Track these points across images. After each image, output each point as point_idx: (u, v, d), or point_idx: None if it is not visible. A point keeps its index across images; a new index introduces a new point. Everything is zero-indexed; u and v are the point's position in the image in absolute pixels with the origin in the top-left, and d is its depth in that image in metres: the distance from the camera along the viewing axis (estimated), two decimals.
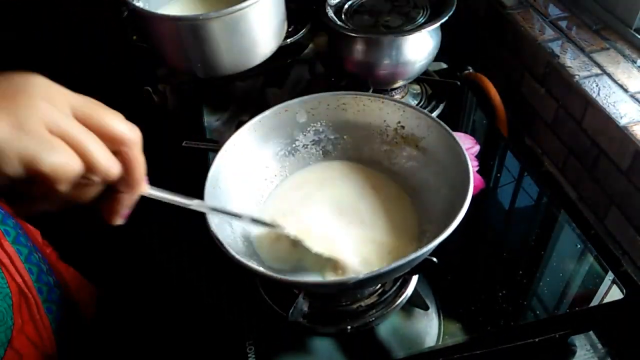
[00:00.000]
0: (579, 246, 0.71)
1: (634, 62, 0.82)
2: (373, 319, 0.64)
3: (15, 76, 0.33)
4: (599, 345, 0.63)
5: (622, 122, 0.73)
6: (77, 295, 0.70)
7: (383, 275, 0.52)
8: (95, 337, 0.70)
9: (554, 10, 0.94)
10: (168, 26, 0.74)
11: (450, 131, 0.61)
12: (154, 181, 0.41)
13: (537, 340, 0.61)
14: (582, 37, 0.87)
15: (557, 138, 0.88)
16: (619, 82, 0.79)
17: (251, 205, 0.66)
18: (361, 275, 0.48)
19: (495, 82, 0.94)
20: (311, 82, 1.00)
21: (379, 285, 0.67)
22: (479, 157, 0.80)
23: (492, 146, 0.90)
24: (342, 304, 0.66)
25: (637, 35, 0.83)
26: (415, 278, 0.68)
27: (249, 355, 0.62)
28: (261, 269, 0.52)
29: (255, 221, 0.57)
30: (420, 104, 0.95)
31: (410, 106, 0.66)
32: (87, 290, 0.73)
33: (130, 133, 0.35)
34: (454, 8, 0.82)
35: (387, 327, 0.65)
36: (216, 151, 0.62)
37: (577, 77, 0.80)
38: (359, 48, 0.85)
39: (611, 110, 0.75)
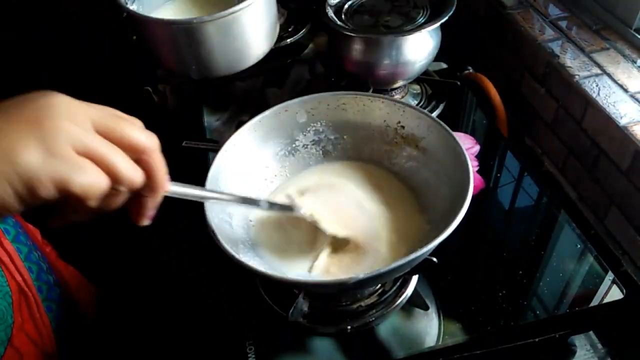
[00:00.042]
0: (579, 246, 0.71)
1: (634, 62, 0.82)
2: (373, 319, 0.64)
3: (37, 98, 0.34)
4: (599, 345, 0.63)
5: (622, 122, 0.73)
6: (77, 294, 0.70)
7: (383, 275, 0.52)
8: (95, 336, 0.70)
9: (554, 10, 0.94)
10: (163, 30, 0.75)
11: (450, 131, 0.61)
12: None
13: (537, 340, 0.61)
14: (582, 37, 0.87)
15: (557, 138, 0.88)
16: (619, 82, 0.79)
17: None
18: (361, 275, 0.48)
19: (495, 82, 0.94)
20: (311, 82, 1.00)
21: (379, 285, 0.67)
22: (479, 157, 0.80)
23: (492, 146, 0.90)
24: (342, 304, 0.66)
25: (637, 35, 0.83)
26: (415, 278, 0.68)
27: (249, 355, 0.62)
28: (261, 268, 0.52)
29: (273, 205, 0.57)
30: (420, 104, 0.95)
31: (410, 106, 0.66)
32: (86, 289, 0.73)
33: (148, 141, 0.37)
34: (454, 8, 0.82)
35: (387, 327, 0.65)
36: (216, 151, 0.62)
37: (577, 77, 0.81)
38: (359, 48, 0.85)
39: (611, 110, 0.75)
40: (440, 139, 0.62)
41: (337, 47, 0.88)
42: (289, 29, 1.05)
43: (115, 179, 0.35)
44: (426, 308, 0.66)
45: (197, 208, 0.52)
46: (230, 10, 0.71)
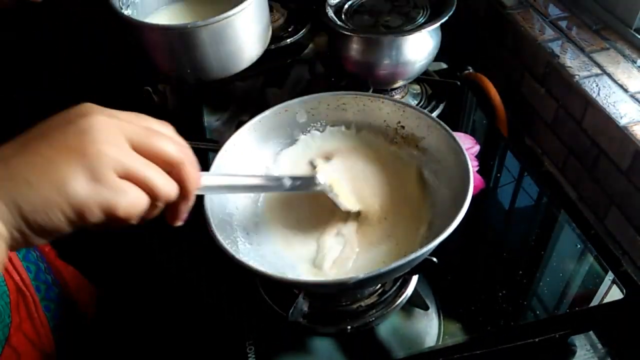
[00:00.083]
0: (579, 246, 0.71)
1: (634, 62, 0.82)
2: (373, 319, 0.64)
3: (77, 119, 0.35)
4: (599, 345, 0.63)
5: (622, 122, 0.73)
6: (76, 294, 0.70)
7: (383, 275, 0.52)
8: (94, 336, 0.70)
9: (554, 10, 0.94)
10: (157, 35, 0.77)
11: (450, 131, 0.61)
12: None
13: (537, 340, 0.61)
14: (582, 37, 0.87)
15: (557, 138, 0.88)
16: (619, 82, 0.79)
17: (251, 205, 0.66)
18: (361, 275, 0.48)
19: (495, 82, 0.94)
20: (311, 82, 0.99)
21: (379, 285, 0.67)
22: (479, 157, 0.80)
23: (492, 146, 0.90)
24: (342, 304, 0.66)
25: (637, 35, 0.83)
26: (415, 278, 0.68)
27: (249, 355, 0.62)
28: (261, 268, 0.52)
29: (295, 179, 0.58)
30: (420, 104, 0.95)
31: (410, 106, 0.66)
32: (85, 289, 0.73)
33: (180, 154, 0.38)
34: (454, 8, 0.82)
35: (387, 327, 0.65)
36: (216, 151, 0.62)
37: (577, 77, 0.80)
38: (359, 48, 0.85)
39: (611, 110, 0.75)
40: (440, 139, 0.62)
41: (337, 47, 0.88)
42: (289, 29, 1.04)
43: (154, 196, 0.37)
44: (426, 308, 0.66)
45: (197, 208, 0.52)
46: (224, 15, 0.72)
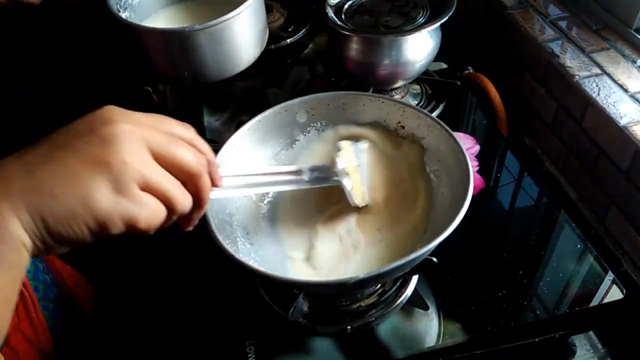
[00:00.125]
0: (579, 246, 0.71)
1: (634, 62, 0.82)
2: (373, 319, 0.64)
3: (101, 126, 0.34)
4: (599, 345, 0.64)
5: (622, 122, 0.73)
6: (75, 294, 0.70)
7: (383, 275, 0.52)
8: (93, 336, 0.70)
9: (554, 10, 0.94)
10: (154, 38, 0.78)
11: (450, 131, 0.61)
12: None
13: (537, 340, 0.61)
14: (582, 37, 0.87)
15: (557, 138, 0.88)
16: (619, 82, 0.79)
17: (251, 205, 0.66)
18: (361, 275, 0.48)
19: (495, 82, 0.94)
20: (311, 82, 0.99)
21: (379, 285, 0.67)
22: (479, 157, 0.80)
23: (492, 146, 0.90)
24: (342, 304, 0.66)
25: (637, 35, 0.83)
26: (415, 278, 0.68)
27: (249, 355, 0.62)
28: (261, 269, 0.52)
29: (314, 169, 0.58)
30: (420, 104, 0.95)
31: (410, 106, 0.66)
32: (84, 289, 0.73)
33: (198, 166, 0.38)
34: (454, 8, 0.82)
35: (387, 327, 0.65)
36: (216, 151, 0.62)
37: (577, 77, 0.81)
38: (359, 48, 0.85)
39: (611, 110, 0.75)
40: (440, 139, 0.62)
41: (337, 47, 0.88)
42: (289, 29, 1.04)
43: (171, 208, 0.37)
44: (426, 308, 0.66)
45: None
46: (221, 18, 0.73)
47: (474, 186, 0.57)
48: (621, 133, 0.72)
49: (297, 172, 0.57)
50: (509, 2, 0.97)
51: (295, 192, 0.69)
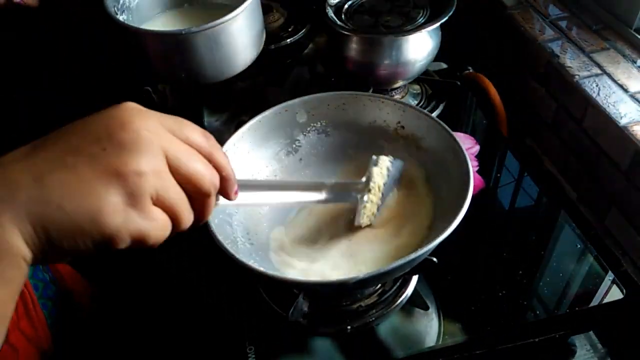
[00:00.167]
0: (579, 246, 0.71)
1: (634, 62, 0.82)
2: (373, 319, 0.64)
3: (117, 132, 0.32)
4: (599, 345, 0.64)
5: (622, 122, 0.73)
6: (74, 292, 0.70)
7: (383, 275, 0.52)
8: (92, 334, 0.70)
9: (554, 10, 0.94)
10: (152, 40, 0.78)
11: (450, 131, 0.61)
12: None
13: (537, 340, 0.61)
14: (582, 37, 0.87)
15: (557, 138, 0.88)
16: (619, 82, 0.79)
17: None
18: (361, 275, 0.48)
19: (495, 82, 0.94)
20: (311, 82, 0.99)
21: (379, 285, 0.67)
22: (479, 157, 0.80)
23: (492, 146, 0.90)
24: (342, 304, 0.66)
25: (637, 35, 0.83)
26: (415, 278, 0.68)
27: (249, 355, 0.62)
28: (261, 269, 0.52)
29: (339, 186, 0.56)
30: (420, 104, 0.94)
31: (410, 106, 0.66)
32: (83, 287, 0.73)
33: (210, 186, 0.36)
34: (454, 8, 0.82)
35: (387, 327, 0.65)
36: None
37: (577, 77, 0.80)
38: (359, 48, 0.85)
39: (611, 110, 0.75)
40: (440, 139, 0.62)
41: (337, 47, 0.88)
42: (289, 29, 1.04)
43: (176, 224, 0.35)
44: (426, 308, 0.66)
45: None
46: (218, 21, 0.74)
47: (474, 186, 0.57)
48: (621, 133, 0.72)
49: (317, 187, 0.55)
50: (509, 2, 0.97)
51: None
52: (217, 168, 0.37)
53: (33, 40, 1.13)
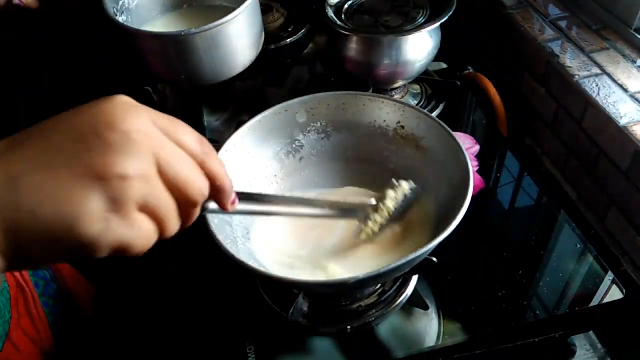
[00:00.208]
0: (579, 246, 0.71)
1: (634, 62, 0.82)
2: (373, 319, 0.64)
3: (104, 131, 0.29)
4: (599, 345, 0.63)
5: (622, 122, 0.73)
6: (75, 291, 0.70)
7: (383, 275, 0.52)
8: (93, 333, 0.70)
9: (554, 10, 0.94)
10: (151, 42, 0.79)
11: (450, 131, 0.61)
12: None
13: (537, 340, 0.61)
14: (582, 37, 0.87)
15: (557, 138, 0.88)
16: (619, 82, 0.79)
17: None
18: (361, 275, 0.48)
19: (495, 82, 0.94)
20: (311, 82, 0.99)
21: (379, 285, 0.67)
22: (479, 157, 0.80)
23: (492, 146, 0.90)
24: (342, 304, 0.66)
25: (637, 35, 0.83)
26: (415, 278, 0.68)
27: (249, 355, 0.62)
28: (261, 269, 0.52)
29: (349, 207, 0.55)
30: (420, 104, 0.95)
31: (410, 106, 0.66)
32: (84, 286, 0.73)
33: (199, 196, 0.33)
34: (454, 8, 0.82)
35: (387, 327, 0.65)
36: (216, 151, 0.62)
37: (577, 77, 0.80)
38: (359, 48, 0.85)
39: (611, 110, 0.75)
40: (440, 139, 0.62)
41: (337, 47, 0.88)
42: (289, 29, 1.04)
43: (160, 232, 0.32)
44: (426, 308, 0.66)
45: None
46: (217, 23, 0.74)
47: (474, 186, 0.57)
48: (621, 133, 0.72)
49: (326, 206, 0.53)
50: (509, 2, 0.97)
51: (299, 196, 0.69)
52: (211, 177, 0.35)
53: (33, 40, 1.13)
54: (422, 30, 0.81)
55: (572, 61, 0.83)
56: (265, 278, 0.61)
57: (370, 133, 0.69)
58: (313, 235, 0.64)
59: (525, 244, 0.75)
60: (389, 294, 0.66)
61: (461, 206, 0.51)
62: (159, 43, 0.78)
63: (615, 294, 0.65)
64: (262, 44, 0.87)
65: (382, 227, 0.59)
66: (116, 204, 0.29)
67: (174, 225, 0.33)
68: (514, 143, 0.91)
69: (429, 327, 0.65)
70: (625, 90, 0.77)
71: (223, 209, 0.37)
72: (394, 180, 0.59)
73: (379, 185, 0.68)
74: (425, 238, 0.60)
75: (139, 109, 0.31)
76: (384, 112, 0.67)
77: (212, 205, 0.37)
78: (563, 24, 0.91)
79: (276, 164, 0.70)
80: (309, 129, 0.70)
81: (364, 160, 0.71)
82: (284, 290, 0.67)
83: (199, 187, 0.33)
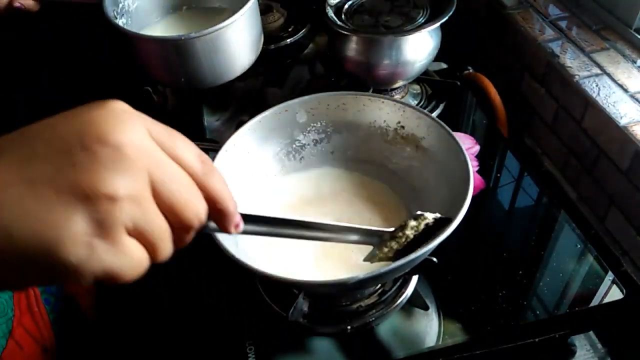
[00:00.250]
0: (579, 246, 0.71)
1: (634, 62, 0.82)
2: (373, 319, 0.64)
3: (94, 144, 0.26)
4: (599, 345, 0.63)
5: (622, 122, 0.73)
6: (75, 289, 0.70)
7: (383, 275, 0.52)
8: (94, 331, 0.70)
9: (554, 10, 0.94)
10: (151, 46, 0.79)
11: (450, 131, 0.61)
12: None
13: (537, 340, 0.61)
14: (582, 37, 0.87)
15: (557, 138, 0.88)
16: (619, 82, 0.79)
17: (250, 206, 0.66)
18: (361, 275, 0.48)
19: (495, 82, 0.94)
20: (311, 82, 0.99)
21: (379, 285, 0.67)
22: (479, 157, 0.80)
23: (492, 146, 0.90)
24: (342, 304, 0.66)
25: (637, 35, 0.83)
26: (415, 278, 0.68)
27: (249, 355, 0.62)
28: (261, 269, 0.52)
29: (363, 231, 0.49)
30: (420, 104, 0.94)
31: (410, 106, 0.66)
32: (83, 286, 0.73)
33: (194, 221, 0.30)
34: (454, 8, 0.82)
35: (387, 327, 0.65)
36: (216, 151, 0.62)
37: (577, 77, 0.81)
38: (359, 48, 0.85)
39: (611, 110, 0.75)
40: (440, 139, 0.62)
41: (337, 47, 0.88)
42: (289, 29, 1.04)
43: (154, 258, 0.30)
44: (426, 308, 0.66)
45: None
46: (217, 26, 0.74)
47: (474, 186, 0.57)
48: (621, 133, 0.72)
49: (342, 230, 0.48)
50: (509, 2, 0.97)
51: (299, 197, 0.69)
52: (212, 199, 0.31)
53: (33, 40, 1.13)
54: (422, 30, 0.81)
55: (572, 61, 0.83)
56: (265, 278, 0.61)
57: (370, 133, 0.69)
58: None
59: (525, 244, 0.75)
60: (389, 294, 0.66)
61: (461, 206, 0.51)
62: (158, 47, 0.78)
63: (615, 294, 0.65)
64: (261, 46, 0.88)
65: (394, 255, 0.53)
66: (103, 227, 0.26)
67: (166, 250, 0.30)
68: (514, 143, 0.91)
69: (429, 327, 0.65)
70: (625, 90, 0.78)
71: (225, 232, 0.34)
72: (419, 212, 0.53)
73: (381, 184, 0.68)
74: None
75: (134, 118, 0.28)
76: (384, 112, 0.67)
77: (213, 224, 0.34)
78: (563, 24, 0.91)
79: (276, 164, 0.70)
80: (309, 129, 0.70)
81: (364, 160, 0.71)
82: (284, 290, 0.67)
83: (197, 211, 0.30)
